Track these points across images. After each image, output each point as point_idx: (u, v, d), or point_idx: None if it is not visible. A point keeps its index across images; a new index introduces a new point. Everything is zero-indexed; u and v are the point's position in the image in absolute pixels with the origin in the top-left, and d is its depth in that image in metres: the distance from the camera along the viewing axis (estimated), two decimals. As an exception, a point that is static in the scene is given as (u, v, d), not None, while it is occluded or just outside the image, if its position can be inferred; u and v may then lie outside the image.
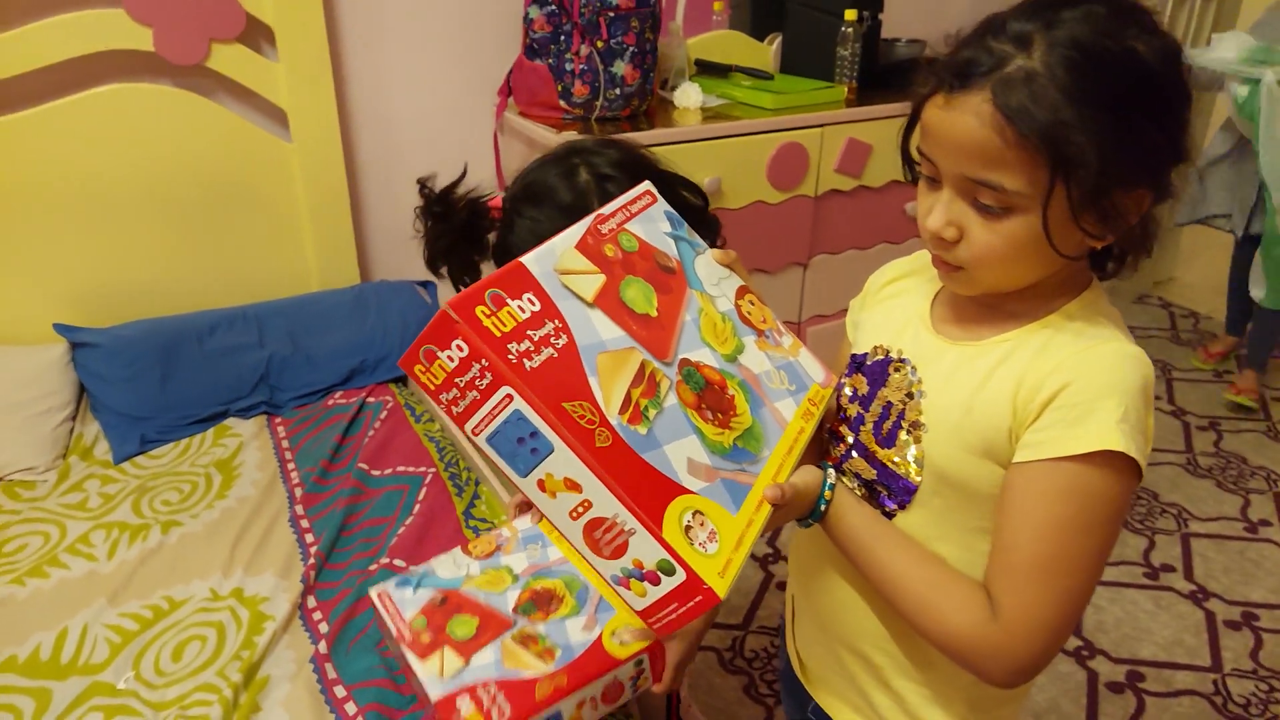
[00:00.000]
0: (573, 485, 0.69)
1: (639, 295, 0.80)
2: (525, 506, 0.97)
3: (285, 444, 1.85)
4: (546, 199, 1.06)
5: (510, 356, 0.67)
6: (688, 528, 0.70)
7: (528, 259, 0.74)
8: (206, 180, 2.09)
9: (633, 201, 0.87)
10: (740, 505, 0.75)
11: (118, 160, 1.99)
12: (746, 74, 2.55)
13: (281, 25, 2.04)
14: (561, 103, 2.26)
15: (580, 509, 0.69)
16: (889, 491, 0.89)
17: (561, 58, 2.23)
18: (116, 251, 2.05)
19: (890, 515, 0.90)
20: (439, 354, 0.68)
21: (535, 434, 0.68)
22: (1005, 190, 0.73)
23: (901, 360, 0.91)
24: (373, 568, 1.46)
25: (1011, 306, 0.84)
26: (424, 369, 0.69)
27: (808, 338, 2.55)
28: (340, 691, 1.24)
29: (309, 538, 1.57)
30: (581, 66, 2.23)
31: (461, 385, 0.68)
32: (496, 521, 1.60)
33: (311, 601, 1.42)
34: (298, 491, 1.69)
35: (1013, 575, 0.77)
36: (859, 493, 0.92)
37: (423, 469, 1.73)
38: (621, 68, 2.23)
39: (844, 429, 0.96)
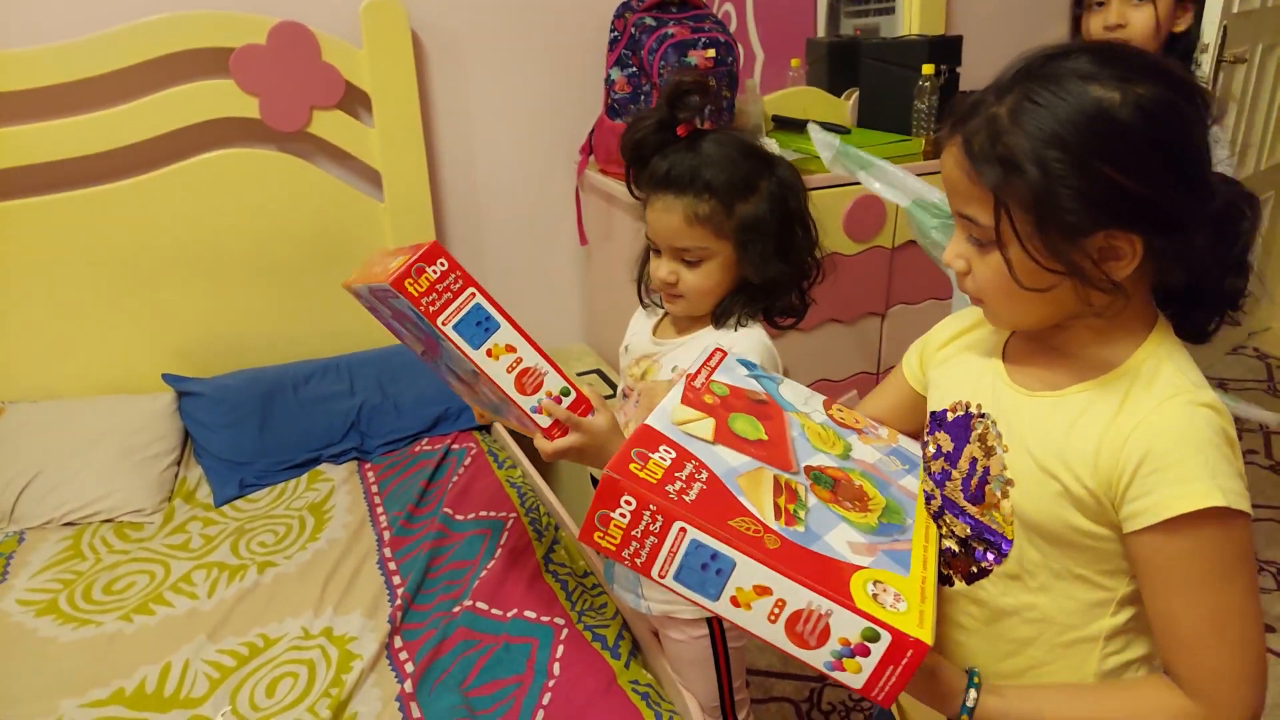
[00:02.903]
0: (762, 590, 0.74)
1: (747, 426, 0.88)
2: None
3: (374, 489, 1.92)
4: (729, 164, 1.20)
5: (671, 495, 0.75)
6: (875, 595, 0.74)
7: (650, 421, 0.83)
8: (304, 238, 2.20)
9: (709, 358, 0.98)
10: (909, 568, 0.80)
11: (223, 220, 2.12)
12: (823, 128, 2.58)
13: (377, 92, 2.16)
14: (640, 160, 2.32)
15: (776, 609, 0.74)
16: (985, 546, 0.90)
17: (641, 117, 2.30)
18: (220, 305, 2.17)
19: (987, 571, 0.90)
20: (611, 515, 0.75)
21: (715, 555, 0.74)
22: (980, 224, 0.79)
23: (981, 415, 0.91)
24: (456, 610, 1.50)
25: (1078, 353, 0.85)
26: (602, 534, 0.76)
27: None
28: (424, 730, 1.27)
29: (395, 579, 1.62)
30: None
31: (639, 535, 0.75)
32: (575, 567, 1.63)
33: (398, 642, 1.47)
34: (385, 535, 1.75)
35: (1187, 647, 0.78)
36: (955, 549, 0.93)
37: (504, 514, 1.77)
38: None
39: (931, 485, 0.96)
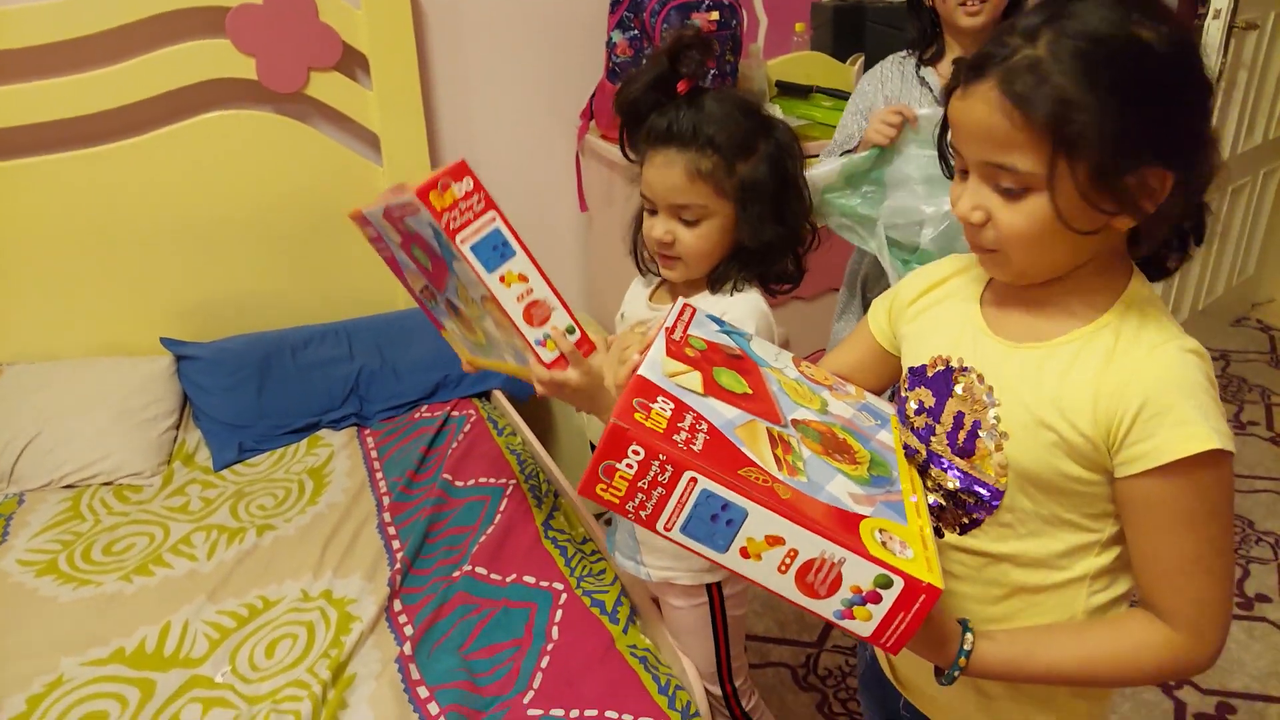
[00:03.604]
0: (775, 540, 0.72)
1: (731, 380, 0.86)
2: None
3: (374, 454, 1.92)
4: (730, 122, 1.19)
5: (680, 445, 0.72)
6: (884, 543, 0.74)
7: (643, 371, 0.80)
8: (302, 202, 2.19)
9: (681, 313, 0.97)
10: (906, 517, 0.79)
11: (221, 183, 2.10)
12: (827, 94, 2.56)
13: (375, 54, 2.13)
14: (642, 125, 2.30)
15: (788, 559, 0.73)
16: (975, 499, 0.91)
17: (643, 81, 2.27)
18: (219, 269, 2.16)
19: (979, 521, 0.91)
20: (617, 466, 0.72)
21: (727, 505, 0.72)
22: (1019, 171, 0.77)
23: (964, 369, 0.92)
24: (455, 574, 1.51)
25: (1061, 302, 0.86)
26: (606, 486, 0.73)
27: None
28: (423, 692, 1.28)
29: (395, 544, 1.62)
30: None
31: (645, 487, 0.72)
32: (574, 533, 1.64)
33: (397, 605, 1.48)
34: (385, 500, 1.75)
35: (1170, 579, 0.82)
36: (942, 503, 0.94)
37: (504, 480, 1.77)
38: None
39: (915, 440, 0.97)
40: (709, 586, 1.34)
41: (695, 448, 0.72)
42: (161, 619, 1.45)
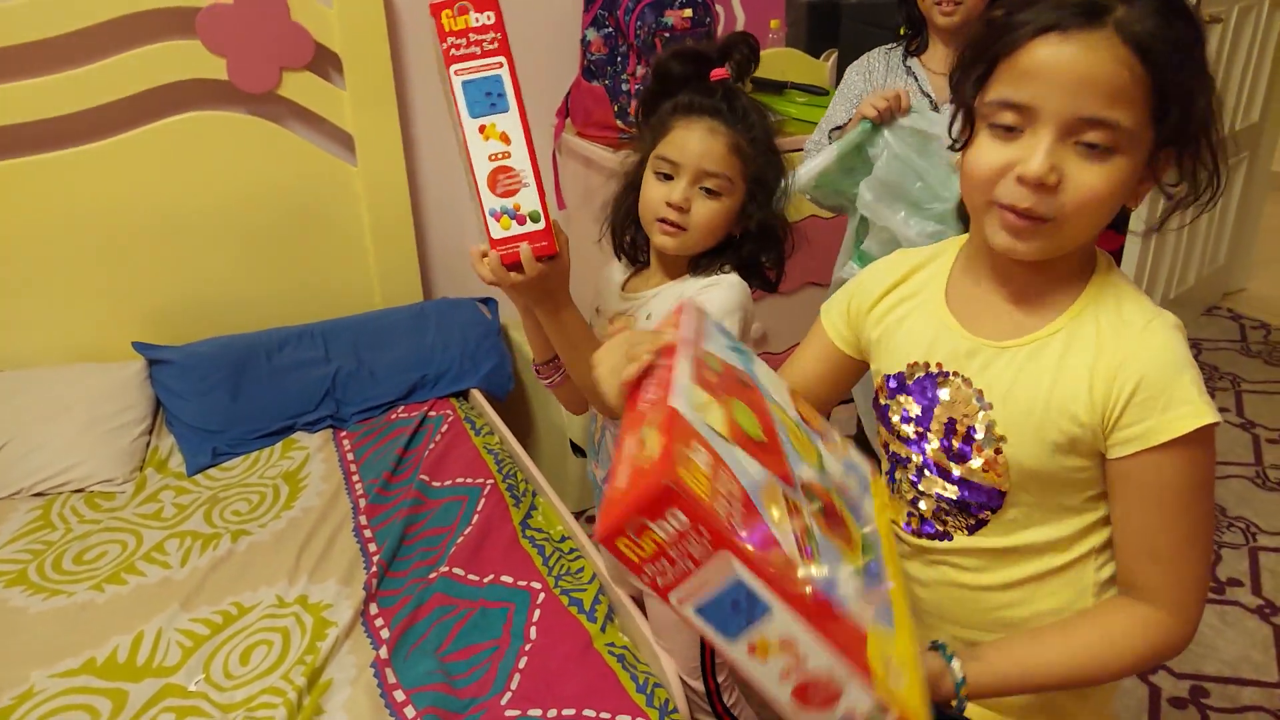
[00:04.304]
0: (787, 645, 0.65)
1: (749, 422, 0.76)
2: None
3: (350, 456, 1.91)
4: (765, 122, 1.24)
5: (722, 519, 0.62)
6: (886, 670, 0.68)
7: (676, 403, 0.69)
8: (276, 203, 2.16)
9: (693, 319, 0.86)
10: (894, 620, 0.74)
11: (193, 185, 2.08)
12: (802, 90, 2.56)
13: (349, 53, 2.12)
14: (617, 122, 2.29)
15: (791, 669, 0.65)
16: (976, 504, 0.90)
17: (618, 79, 2.27)
18: (191, 272, 2.13)
19: (983, 523, 0.91)
20: (651, 525, 0.61)
21: (752, 597, 0.63)
22: (1120, 128, 0.74)
23: (945, 374, 0.90)
24: (433, 576, 1.50)
25: (1039, 292, 0.86)
26: (631, 544, 0.62)
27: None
28: (400, 696, 1.27)
29: (371, 547, 1.61)
30: (637, 86, 2.26)
31: (676, 555, 0.62)
32: (552, 532, 1.63)
33: (374, 608, 1.46)
34: (361, 502, 1.74)
35: (1157, 558, 0.82)
36: (942, 508, 0.93)
37: (481, 480, 1.76)
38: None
39: (905, 450, 0.95)
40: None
41: (735, 522, 0.63)
42: (134, 628, 1.43)
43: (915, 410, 0.93)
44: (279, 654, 1.37)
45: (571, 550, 1.57)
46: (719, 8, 2.50)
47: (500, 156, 0.96)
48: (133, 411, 1.94)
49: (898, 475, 0.98)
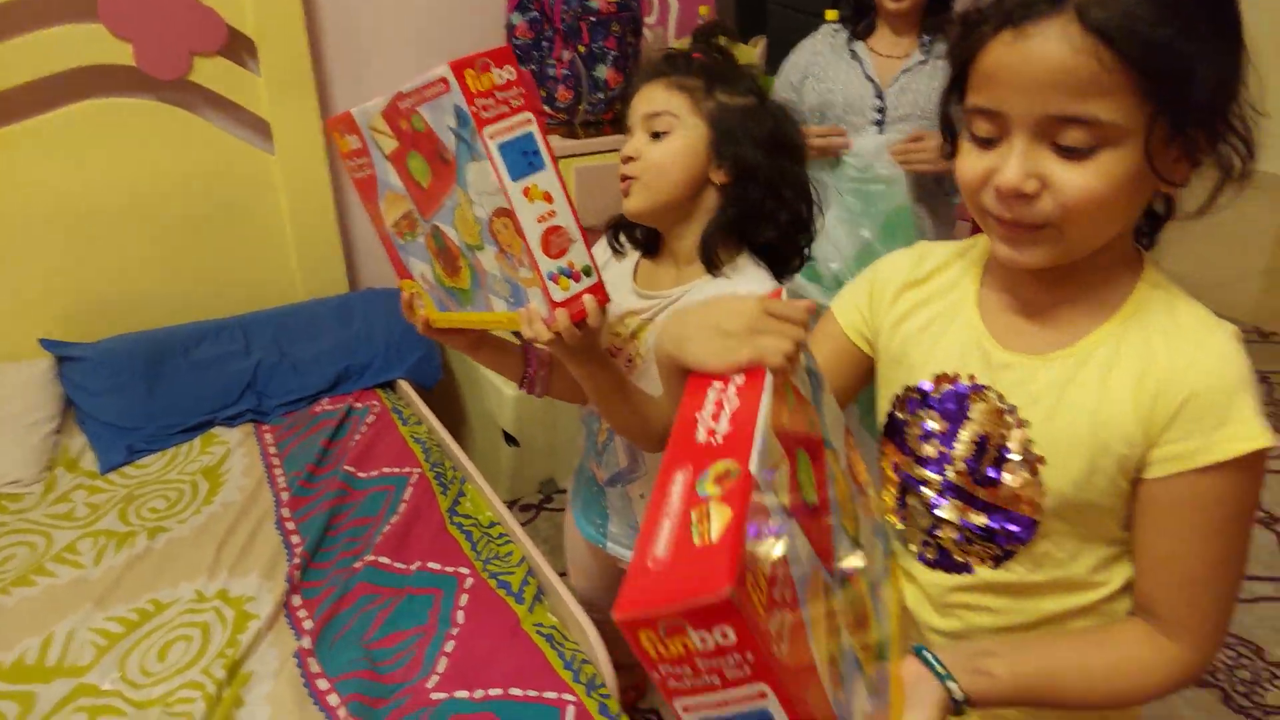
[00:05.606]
0: None
1: (808, 484, 0.65)
2: None
3: (272, 450, 1.86)
4: (722, 63, 1.16)
5: (774, 644, 0.51)
6: None
7: (755, 468, 0.55)
8: (191, 193, 2.10)
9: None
10: (888, 700, 0.68)
11: (101, 175, 2.00)
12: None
13: (262, 37, 2.06)
14: (545, 108, 2.27)
15: None
16: (1005, 534, 0.81)
17: (544, 64, 2.25)
18: (101, 266, 2.05)
19: (1009, 554, 0.82)
20: (690, 632, 0.49)
21: None
22: (1099, 123, 0.66)
23: (978, 388, 0.81)
24: (357, 565, 1.46)
25: (1076, 299, 0.77)
26: (656, 639, 0.50)
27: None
28: (323, 684, 1.23)
29: (295, 539, 1.57)
30: (564, 72, 2.25)
31: (703, 668, 0.51)
32: (480, 518, 1.60)
33: (296, 600, 1.42)
34: (284, 495, 1.69)
35: (1184, 588, 0.75)
36: (966, 537, 0.84)
37: (408, 469, 1.73)
38: (604, 72, 2.25)
39: (922, 471, 0.86)
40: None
41: (783, 648, 0.52)
42: (44, 630, 1.37)
43: (940, 427, 0.83)
44: (198, 649, 1.33)
45: (501, 535, 1.55)
46: (644, -7, 2.49)
47: (548, 216, 0.89)
48: (40, 410, 1.86)
49: (909, 501, 0.88)
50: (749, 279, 1.10)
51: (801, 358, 0.71)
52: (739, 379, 0.65)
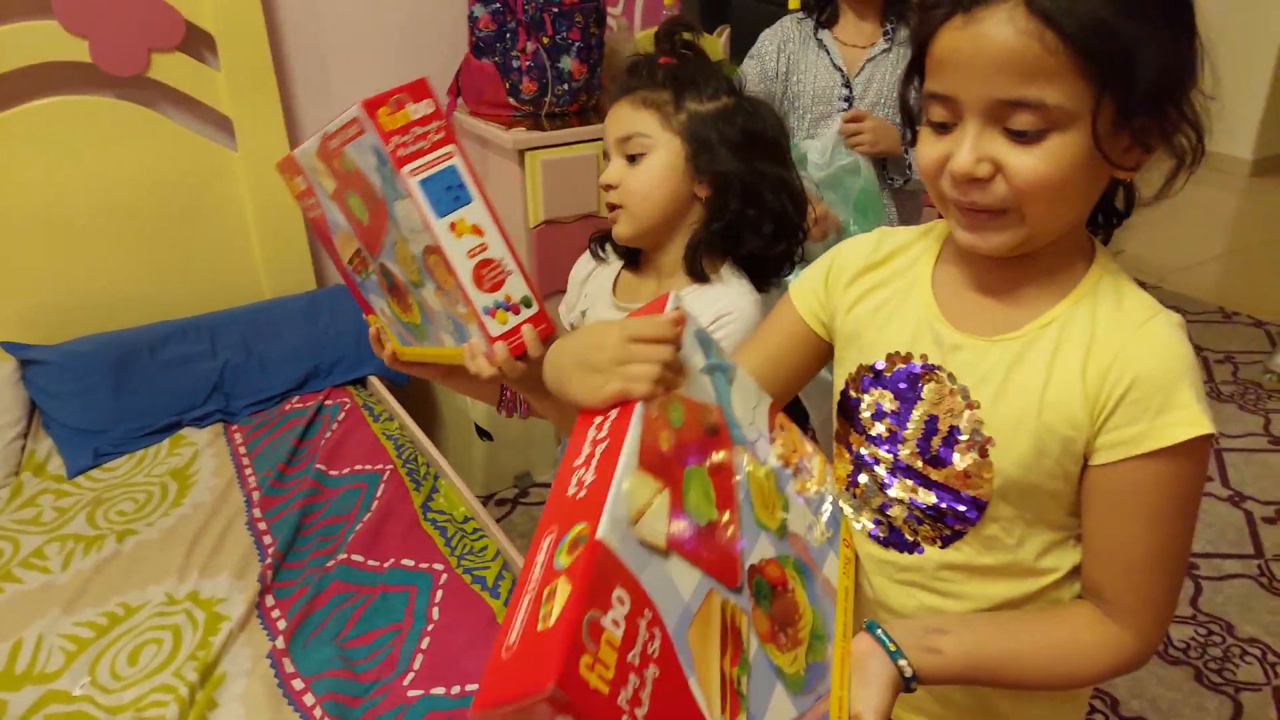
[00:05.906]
0: None
1: (700, 498, 0.63)
2: None
3: (242, 450, 1.84)
4: (690, 67, 1.13)
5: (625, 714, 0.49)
6: None
7: (605, 535, 0.52)
8: (152, 192, 2.07)
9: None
10: (827, 687, 0.68)
11: (58, 174, 1.97)
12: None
13: (222, 32, 2.03)
14: (510, 100, 2.26)
15: None
16: (953, 514, 0.82)
17: (508, 55, 2.23)
18: (62, 266, 2.02)
19: (958, 535, 0.82)
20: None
21: None
22: (1046, 106, 0.66)
23: (930, 368, 0.82)
24: (330, 564, 1.46)
25: (1029, 284, 0.78)
26: None
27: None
28: (298, 684, 1.23)
29: (266, 539, 1.55)
30: (528, 63, 2.23)
31: None
32: (455, 513, 1.60)
33: (269, 600, 1.42)
34: (255, 495, 1.68)
35: (1129, 574, 0.76)
36: (915, 516, 0.84)
37: (380, 466, 1.72)
38: (568, 63, 2.24)
39: (874, 449, 0.86)
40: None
41: (642, 710, 0.50)
42: (12, 636, 1.36)
43: (892, 406, 0.84)
44: (169, 652, 1.32)
45: (475, 530, 1.55)
46: (609, -17, 2.48)
47: (478, 250, 0.87)
48: (5, 415, 1.83)
49: (862, 478, 0.88)
50: (731, 290, 1.10)
51: (699, 358, 0.70)
52: (614, 413, 0.64)
